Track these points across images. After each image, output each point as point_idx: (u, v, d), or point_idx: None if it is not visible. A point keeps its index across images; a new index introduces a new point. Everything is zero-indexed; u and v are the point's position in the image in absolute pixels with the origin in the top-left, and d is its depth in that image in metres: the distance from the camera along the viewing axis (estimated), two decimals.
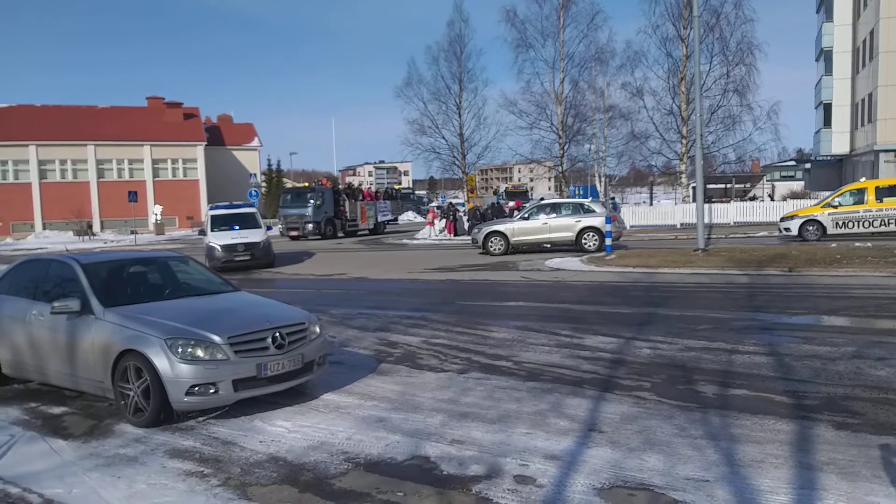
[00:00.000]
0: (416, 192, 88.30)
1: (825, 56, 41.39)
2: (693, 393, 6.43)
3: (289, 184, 61.37)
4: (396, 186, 79.53)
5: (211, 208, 22.41)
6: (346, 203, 37.52)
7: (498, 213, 32.11)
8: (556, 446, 5.19)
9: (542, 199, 42.02)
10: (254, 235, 20.89)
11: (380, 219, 40.68)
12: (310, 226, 35.08)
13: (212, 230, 20.97)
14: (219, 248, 20.34)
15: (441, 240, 32.31)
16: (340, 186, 42.60)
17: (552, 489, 4.46)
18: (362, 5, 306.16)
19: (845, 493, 4.20)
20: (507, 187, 61.26)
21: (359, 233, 38.67)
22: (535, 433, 5.50)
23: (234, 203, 25.76)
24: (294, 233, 35.41)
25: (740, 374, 6.97)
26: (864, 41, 35.93)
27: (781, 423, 5.50)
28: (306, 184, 41.16)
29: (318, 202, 35.40)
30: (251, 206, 25.52)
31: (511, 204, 35.23)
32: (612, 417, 5.80)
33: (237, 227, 20.97)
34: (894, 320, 9.55)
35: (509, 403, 6.32)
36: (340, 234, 36.87)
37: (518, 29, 38.90)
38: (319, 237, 35.11)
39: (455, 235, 32.73)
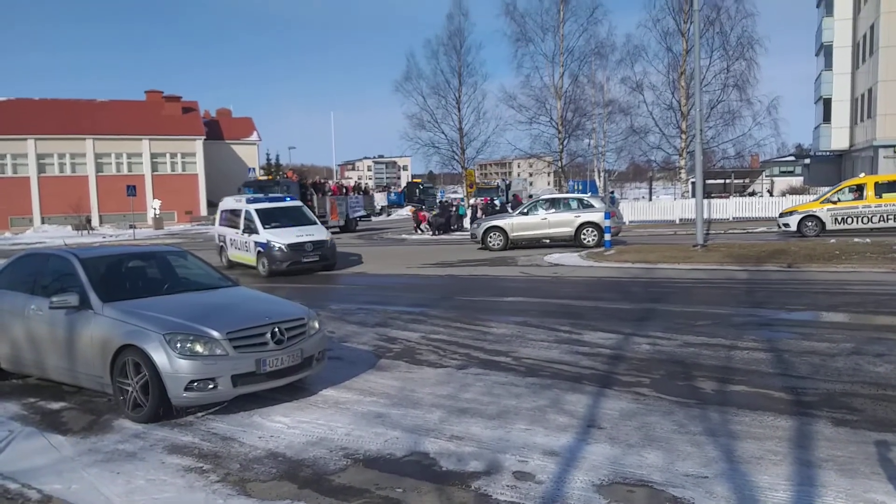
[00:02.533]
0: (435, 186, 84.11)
1: (825, 51, 41.34)
2: (692, 389, 6.44)
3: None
4: (416, 181, 74.70)
5: (249, 201, 19.05)
6: (315, 198, 34.53)
7: (443, 211, 32.05)
8: (555, 442, 5.20)
9: (514, 194, 41.71)
10: (318, 233, 18.15)
11: (351, 215, 38.14)
12: None
13: (264, 227, 17.68)
14: (284, 247, 17.14)
15: (440, 235, 32.29)
16: (308, 181, 39.07)
17: (551, 485, 4.46)
18: None
19: (844, 490, 4.21)
20: (476, 183, 59.98)
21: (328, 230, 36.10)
22: (535, 429, 5.50)
23: (273, 196, 22.99)
24: None
25: (739, 371, 6.97)
26: (865, 36, 35.86)
27: (780, 419, 5.50)
28: (270, 176, 37.24)
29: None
30: (292, 198, 22.54)
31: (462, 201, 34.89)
32: (611, 413, 5.80)
33: (292, 224, 18.11)
34: (893, 316, 9.56)
35: (508, 399, 6.33)
36: None
37: (518, 23, 38.73)
38: None
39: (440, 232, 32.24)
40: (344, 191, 41.25)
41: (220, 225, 20.22)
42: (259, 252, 17.54)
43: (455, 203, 36.72)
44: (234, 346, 6.09)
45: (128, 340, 6.08)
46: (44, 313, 6.81)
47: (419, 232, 32.54)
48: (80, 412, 6.53)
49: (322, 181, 40.36)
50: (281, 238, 17.33)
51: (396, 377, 7.30)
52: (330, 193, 37.45)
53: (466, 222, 33.26)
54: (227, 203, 20.23)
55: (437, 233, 31.59)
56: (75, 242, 31.40)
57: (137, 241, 34.19)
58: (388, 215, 53.66)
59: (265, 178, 36.93)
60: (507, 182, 59.07)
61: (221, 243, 20.03)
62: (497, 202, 36.08)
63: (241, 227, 18.35)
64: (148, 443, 5.58)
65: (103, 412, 6.44)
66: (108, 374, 6.24)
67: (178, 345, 5.93)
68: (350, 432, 5.62)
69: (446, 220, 32.06)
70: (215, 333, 6.06)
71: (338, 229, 35.38)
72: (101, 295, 6.59)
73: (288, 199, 21.15)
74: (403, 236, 32.66)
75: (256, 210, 18.26)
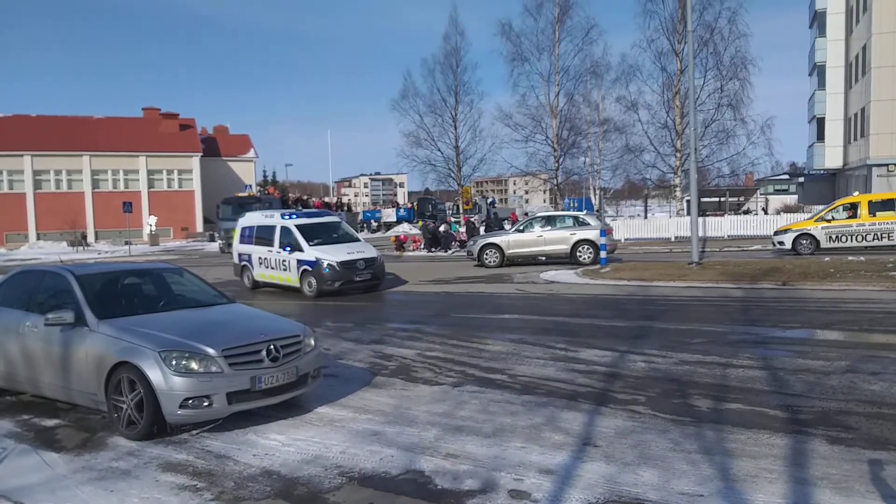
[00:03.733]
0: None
1: (818, 71, 41.80)
2: (688, 407, 6.44)
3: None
4: (427, 196, 68.57)
5: (285, 216, 17.65)
6: None
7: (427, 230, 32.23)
8: (551, 460, 5.19)
9: (495, 213, 41.52)
10: (368, 250, 17.15)
11: None
12: None
13: (309, 244, 16.53)
14: (336, 265, 16.00)
15: (437, 252, 32.30)
16: (290, 197, 37.49)
17: None
18: (359, 17, 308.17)
19: None
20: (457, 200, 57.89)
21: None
22: (530, 447, 5.49)
23: (308, 210, 21.62)
24: None
25: (735, 388, 6.98)
26: (857, 56, 36.25)
27: (776, 437, 5.51)
28: (251, 193, 35.09)
29: None
30: (328, 213, 21.08)
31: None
32: (606, 431, 5.80)
33: (337, 241, 17.08)
34: (888, 334, 9.59)
35: (504, 417, 6.32)
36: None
37: (513, 42, 39.21)
38: None
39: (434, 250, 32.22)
40: (327, 208, 40.57)
41: (243, 243, 18.61)
42: (305, 271, 16.40)
43: (447, 220, 36.60)
44: (230, 363, 6.08)
45: (123, 357, 6.07)
46: (39, 330, 6.80)
47: (401, 252, 32.56)
48: (75, 429, 6.50)
49: (306, 197, 39.49)
50: (331, 255, 16.21)
51: (392, 395, 7.29)
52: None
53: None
54: (253, 219, 18.73)
55: (432, 250, 31.63)
56: (71, 259, 31.33)
57: (133, 257, 34.14)
58: (385, 231, 53.34)
59: (245, 194, 34.92)
60: (490, 200, 57.47)
61: (244, 262, 18.49)
62: (474, 220, 35.53)
63: (277, 244, 17.14)
64: (142, 460, 5.56)
65: (97, 430, 6.41)
66: (103, 392, 6.22)
67: (174, 362, 5.92)
68: (345, 450, 5.60)
69: (433, 237, 32.06)
70: (211, 350, 6.05)
71: None
72: (96, 312, 6.59)
73: (326, 214, 19.89)
74: (396, 252, 32.68)
75: (297, 226, 17.00)
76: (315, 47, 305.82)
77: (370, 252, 17.05)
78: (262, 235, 17.86)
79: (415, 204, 58.03)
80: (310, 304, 15.62)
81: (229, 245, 30.90)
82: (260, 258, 17.84)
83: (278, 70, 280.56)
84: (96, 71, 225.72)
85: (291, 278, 16.81)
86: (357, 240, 17.97)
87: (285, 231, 17.05)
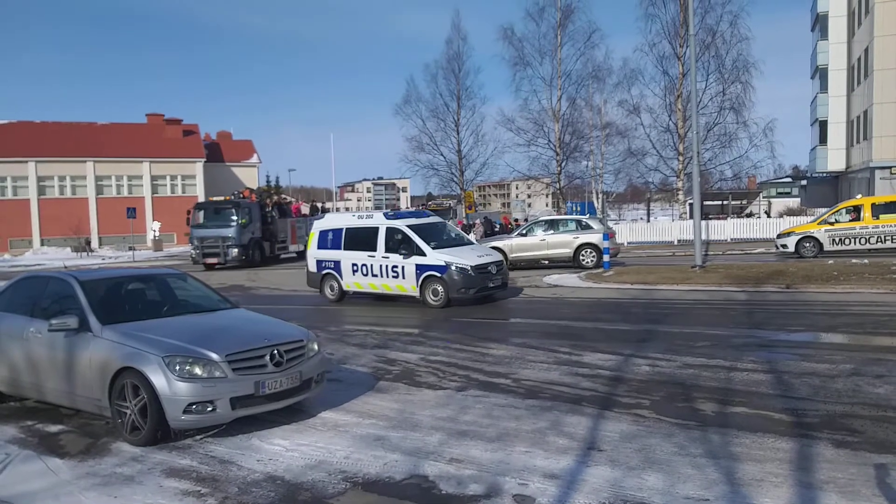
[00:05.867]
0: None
1: (820, 74, 41.78)
2: (692, 411, 6.42)
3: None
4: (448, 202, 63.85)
5: (388, 216, 15.69)
6: (277, 221, 31.21)
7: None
8: (555, 465, 5.17)
9: (485, 217, 41.23)
10: (493, 253, 15.72)
11: None
12: (234, 250, 28.36)
13: (431, 247, 14.62)
14: (470, 270, 14.19)
15: None
16: (270, 199, 33.99)
17: None
18: (363, 23, 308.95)
19: None
20: (428, 204, 53.84)
21: (282, 256, 31.86)
22: (535, 452, 5.48)
23: (409, 210, 20.18)
24: (212, 259, 28.64)
25: (739, 392, 6.96)
26: (859, 59, 36.23)
27: (781, 441, 5.48)
28: (226, 197, 31.63)
29: (244, 220, 28.82)
30: (429, 213, 18.71)
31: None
32: (611, 436, 5.79)
33: (455, 244, 15.38)
34: (892, 337, 9.55)
35: (508, 421, 6.31)
36: (269, 258, 30.61)
37: (516, 47, 39.17)
38: (244, 264, 28.62)
39: None
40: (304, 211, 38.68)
41: (327, 248, 16.23)
42: (429, 277, 14.40)
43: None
44: (233, 368, 6.08)
45: (126, 363, 6.07)
46: (43, 336, 6.80)
47: None
48: (78, 435, 6.50)
49: (284, 200, 37.78)
50: (463, 259, 14.32)
51: (396, 399, 7.28)
52: (290, 215, 33.53)
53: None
54: (339, 220, 16.84)
55: None
56: (75, 264, 31.39)
57: (137, 263, 34.18)
58: None
59: (220, 197, 32.62)
60: (444, 205, 54.38)
61: (327, 270, 16.16)
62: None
63: (382, 248, 15.06)
64: (146, 466, 5.55)
65: (101, 435, 6.41)
66: (107, 397, 6.21)
67: (177, 367, 5.92)
68: (349, 455, 5.60)
69: None
70: (214, 356, 6.05)
71: (295, 255, 31.38)
72: (100, 317, 6.59)
73: (428, 214, 17.64)
74: None
75: (410, 226, 15.04)
76: (318, 53, 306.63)
77: (496, 255, 15.51)
78: (356, 239, 15.73)
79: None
80: (312, 307, 15.59)
81: (204, 255, 28.70)
82: (354, 265, 15.61)
83: (282, 75, 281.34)
84: (100, 77, 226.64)
85: (405, 287, 14.83)
86: (471, 242, 16.54)
87: (393, 233, 15.09)
